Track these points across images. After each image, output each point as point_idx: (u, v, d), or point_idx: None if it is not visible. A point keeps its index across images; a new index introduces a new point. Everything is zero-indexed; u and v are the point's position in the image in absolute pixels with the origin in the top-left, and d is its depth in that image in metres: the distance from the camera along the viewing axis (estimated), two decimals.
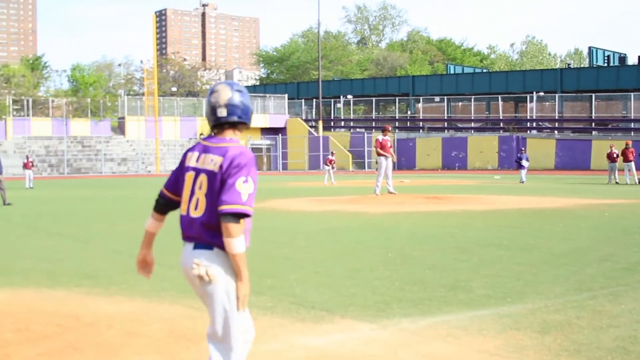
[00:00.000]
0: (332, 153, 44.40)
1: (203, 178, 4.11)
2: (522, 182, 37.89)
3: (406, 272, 9.88)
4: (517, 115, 76.71)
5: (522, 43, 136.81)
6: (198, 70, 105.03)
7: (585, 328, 6.66)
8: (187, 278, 4.17)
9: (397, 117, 79.62)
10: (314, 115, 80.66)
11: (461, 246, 12.59)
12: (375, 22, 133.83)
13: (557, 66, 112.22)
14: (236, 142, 4.22)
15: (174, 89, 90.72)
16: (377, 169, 25.25)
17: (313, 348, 6.23)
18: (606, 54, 79.44)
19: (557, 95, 68.61)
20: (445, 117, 76.26)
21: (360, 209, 20.30)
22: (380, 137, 24.99)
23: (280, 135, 74.48)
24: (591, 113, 67.66)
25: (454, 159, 66.42)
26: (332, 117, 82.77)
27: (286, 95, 79.63)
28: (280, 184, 40.53)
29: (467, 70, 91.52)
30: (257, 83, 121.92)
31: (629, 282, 9.02)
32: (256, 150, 73.59)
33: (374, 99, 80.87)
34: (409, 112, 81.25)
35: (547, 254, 11.32)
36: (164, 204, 4.47)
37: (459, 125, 75.85)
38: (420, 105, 78.43)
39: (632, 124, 65.81)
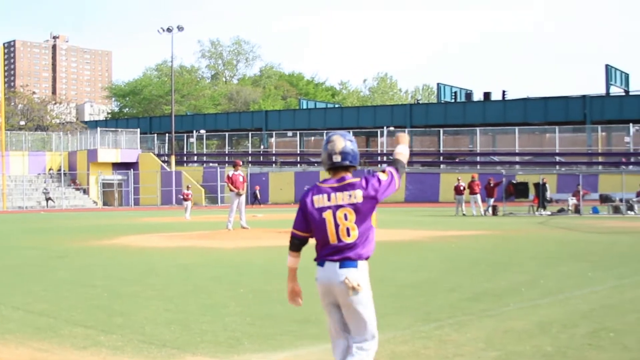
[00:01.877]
0: (188, 187, 44.08)
1: (347, 212, 5.09)
2: None
3: (258, 308, 9.86)
4: (368, 149, 78.16)
5: (373, 79, 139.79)
6: (48, 103, 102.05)
7: (432, 357, 6.82)
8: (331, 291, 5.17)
9: (250, 152, 79.86)
10: (166, 150, 79.80)
11: (312, 281, 12.62)
12: (229, 57, 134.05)
13: (407, 102, 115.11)
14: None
15: (22, 122, 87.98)
16: (230, 204, 25.16)
17: None
18: (453, 90, 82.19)
19: (406, 129, 70.33)
20: (298, 152, 76.92)
21: (212, 244, 20.17)
22: (231, 172, 24.95)
23: (132, 170, 73.19)
24: (439, 147, 69.70)
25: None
26: (185, 152, 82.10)
27: (138, 130, 78.50)
28: (133, 219, 39.79)
29: (319, 105, 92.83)
30: (109, 117, 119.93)
31: (474, 312, 9.28)
32: (107, 185, 72.19)
33: (227, 133, 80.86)
34: (262, 147, 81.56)
35: (396, 286, 11.51)
36: (299, 244, 5.41)
37: (312, 159, 76.62)
38: (273, 139, 78.85)
39: (478, 157, 68.16)
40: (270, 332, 8.26)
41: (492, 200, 39.05)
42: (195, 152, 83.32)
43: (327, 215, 5.11)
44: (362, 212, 5.11)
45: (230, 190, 24.75)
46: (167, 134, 78.54)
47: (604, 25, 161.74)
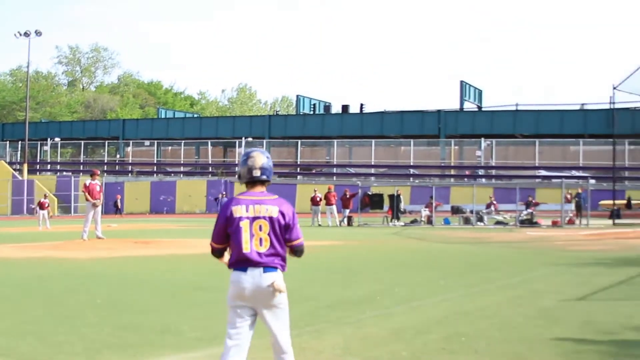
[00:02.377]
0: (45, 196, 42.94)
1: (263, 224, 5.50)
2: None
3: (116, 318, 9.77)
4: (226, 160, 78.03)
5: (232, 89, 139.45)
6: None
7: None
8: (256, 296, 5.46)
9: (105, 161, 78.42)
10: (19, 158, 77.34)
11: (170, 290, 12.65)
12: (87, 64, 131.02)
13: (266, 113, 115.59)
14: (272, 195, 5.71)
15: None
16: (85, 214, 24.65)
17: None
18: (312, 103, 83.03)
19: (265, 141, 70.62)
20: (155, 161, 76.08)
21: (67, 254, 19.72)
22: (88, 181, 24.49)
23: None
24: (297, 158, 70.31)
25: (162, 203, 66.24)
26: (38, 160, 79.78)
27: None
28: None
29: (178, 114, 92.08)
30: None
31: (332, 319, 9.50)
32: None
33: (82, 141, 79.03)
34: (117, 156, 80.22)
35: None
36: (221, 250, 5.70)
37: (168, 169, 75.91)
38: (129, 149, 77.68)
39: (335, 169, 69.11)
40: (129, 342, 8.20)
41: (347, 211, 39.70)
42: (49, 161, 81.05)
43: (244, 225, 5.48)
44: (276, 226, 5.53)
45: (87, 200, 24.27)
46: (20, 142, 76.09)
47: (459, 42, 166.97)
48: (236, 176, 5.28)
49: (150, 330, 8.90)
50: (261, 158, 5.68)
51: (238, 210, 5.51)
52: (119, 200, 63.40)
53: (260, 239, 5.46)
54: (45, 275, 15.35)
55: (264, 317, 5.52)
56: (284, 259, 5.63)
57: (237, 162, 71.52)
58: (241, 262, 5.45)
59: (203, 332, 8.71)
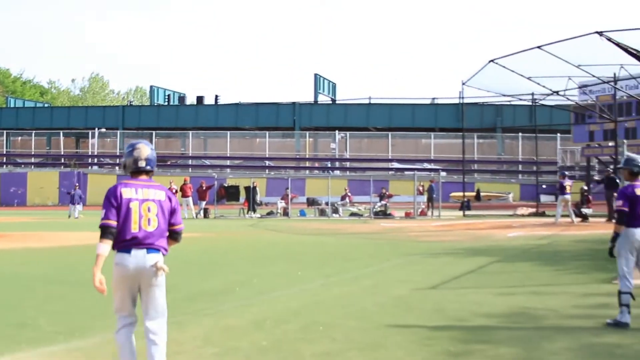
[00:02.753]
0: None
1: (152, 206, 5.86)
2: (76, 217, 37.88)
3: None
4: (78, 151, 76.26)
5: (83, 79, 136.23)
6: None
7: None
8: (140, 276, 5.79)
9: None
10: None
11: (25, 284, 12.43)
12: None
13: (120, 103, 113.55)
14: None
15: None
16: None
17: None
18: (167, 93, 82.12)
19: (118, 131, 69.44)
20: (5, 152, 73.54)
21: None
22: None
23: None
24: None
25: (13, 195, 64.06)
26: None
27: None
28: None
29: (28, 104, 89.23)
30: None
31: (192, 311, 9.56)
32: None
33: None
34: None
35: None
36: (114, 232, 5.78)
37: (19, 160, 73.52)
38: None
39: (190, 160, 68.60)
40: None
41: (204, 203, 39.55)
42: None
43: (134, 205, 5.82)
44: (163, 209, 5.97)
45: None
46: None
47: (313, 35, 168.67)
48: (121, 166, 5.55)
49: (6, 325, 8.77)
50: (146, 150, 6.04)
51: (127, 192, 5.86)
52: None
53: (149, 219, 5.84)
54: None
55: (143, 296, 5.87)
56: (167, 242, 6.06)
57: (90, 153, 70.17)
58: (127, 243, 5.77)
59: (61, 326, 8.64)
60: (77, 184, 45.22)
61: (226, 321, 8.90)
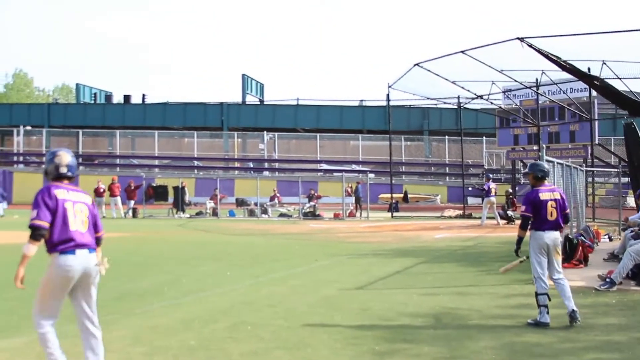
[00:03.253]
0: None
1: (82, 207, 6.11)
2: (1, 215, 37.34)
3: None
4: (3, 148, 74.90)
5: (7, 75, 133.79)
6: None
7: (81, 355, 6.98)
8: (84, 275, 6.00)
9: None
10: None
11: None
12: None
13: (45, 101, 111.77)
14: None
15: None
16: None
17: None
18: (93, 92, 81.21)
19: (44, 130, 68.41)
20: None
21: None
22: None
23: None
24: (78, 148, 68.55)
25: None
26: None
27: None
28: None
29: None
30: None
31: (120, 311, 9.60)
32: None
33: None
34: None
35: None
36: (44, 234, 5.87)
37: None
38: None
39: (118, 159, 67.94)
40: None
41: (132, 203, 39.27)
42: None
43: (69, 205, 6.01)
44: (90, 211, 6.26)
45: None
46: None
47: (241, 35, 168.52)
48: (43, 172, 5.80)
49: None
50: (67, 157, 6.30)
51: (61, 193, 6.03)
52: None
53: (82, 221, 6.08)
54: None
55: (82, 294, 6.06)
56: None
57: (15, 152, 69.00)
58: (68, 243, 5.90)
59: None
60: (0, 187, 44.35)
61: (155, 320, 8.96)
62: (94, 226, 6.28)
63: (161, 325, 8.64)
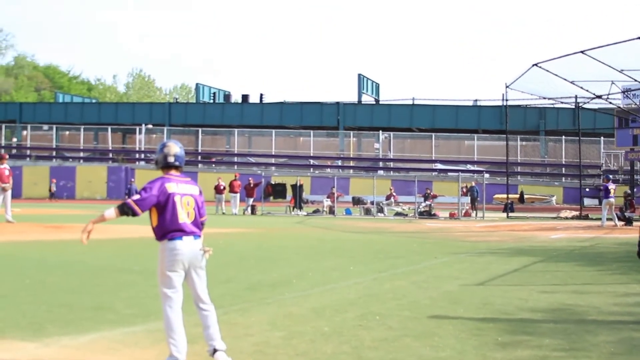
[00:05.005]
0: None
1: (190, 200, 6.61)
2: None
3: (49, 297, 10.28)
4: (125, 146, 77.49)
5: (128, 75, 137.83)
6: None
7: (225, 337, 7.61)
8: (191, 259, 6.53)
9: (2, 145, 76.84)
10: None
11: (94, 272, 13.19)
12: None
13: (166, 100, 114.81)
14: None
15: None
16: None
17: None
18: (212, 91, 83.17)
19: (165, 128, 70.50)
20: (54, 146, 74.99)
21: None
22: None
23: None
24: (197, 146, 70.42)
25: (62, 189, 65.43)
26: None
27: None
28: None
29: (76, 99, 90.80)
30: None
31: (254, 300, 10.23)
32: None
33: None
34: (13, 140, 78.66)
35: None
36: (128, 213, 6.42)
37: (67, 154, 74.89)
38: (27, 133, 76.33)
39: (235, 158, 69.51)
40: (69, 318, 8.76)
41: (251, 200, 40.32)
42: None
43: (177, 199, 6.51)
44: (197, 203, 6.73)
45: None
46: None
47: (357, 35, 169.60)
48: (153, 162, 6.45)
49: (85, 308, 9.46)
50: (175, 147, 6.78)
51: (171, 187, 6.54)
52: (53, 185, 62.42)
53: (189, 212, 6.57)
54: None
55: (191, 277, 6.60)
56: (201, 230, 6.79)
57: (137, 149, 71.35)
58: (177, 232, 6.45)
59: (138, 309, 9.32)
60: (132, 179, 46.27)
61: (287, 309, 9.54)
62: (199, 213, 6.75)
63: (294, 314, 9.23)
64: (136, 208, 6.38)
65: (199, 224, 6.70)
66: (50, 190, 61.80)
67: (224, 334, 7.75)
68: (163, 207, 6.47)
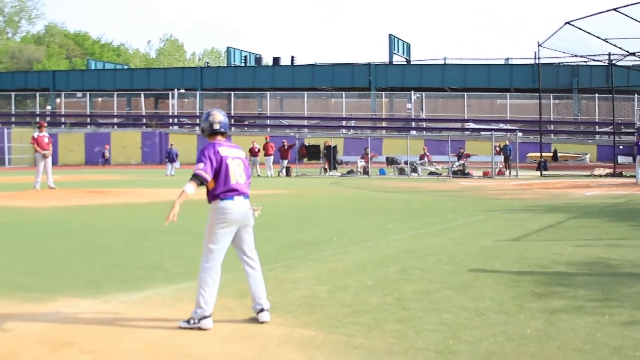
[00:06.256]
0: None
1: (239, 162, 7.04)
2: (172, 175, 39.52)
3: (101, 258, 10.73)
4: (158, 111, 78.04)
5: (159, 40, 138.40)
6: None
7: (274, 292, 8.02)
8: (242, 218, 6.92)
9: (37, 112, 77.68)
10: None
11: (140, 234, 13.68)
12: (10, 13, 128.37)
13: (195, 64, 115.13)
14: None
15: None
16: (35, 165, 25.16)
17: (66, 316, 6.99)
18: (243, 55, 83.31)
19: (197, 92, 70.88)
20: (88, 113, 75.70)
21: (25, 204, 20.40)
22: (36, 133, 25.03)
23: None
24: (230, 110, 70.83)
25: (97, 155, 66.12)
26: None
27: None
28: None
29: (108, 66, 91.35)
30: None
31: (297, 257, 10.65)
32: None
33: (13, 93, 77.81)
34: (48, 108, 79.45)
35: None
36: (202, 183, 6.82)
37: (100, 121, 75.55)
38: (61, 100, 77.07)
39: (268, 120, 69.84)
40: (123, 277, 9.21)
41: (285, 162, 40.73)
42: None
43: (229, 162, 6.92)
44: (245, 165, 7.18)
45: (36, 151, 24.85)
46: None
47: None
48: (199, 130, 6.92)
49: (137, 267, 9.92)
50: (219, 115, 7.19)
51: (223, 151, 6.96)
52: (107, 151, 63.25)
53: (239, 174, 6.99)
54: (13, 222, 16.12)
55: (241, 235, 7.01)
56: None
57: (170, 114, 71.88)
58: (229, 192, 6.86)
59: (186, 268, 9.74)
60: (172, 143, 46.80)
61: (330, 265, 9.91)
62: (247, 175, 7.19)
63: (337, 269, 9.61)
64: (206, 175, 6.78)
65: (248, 185, 7.11)
66: (103, 156, 62.58)
67: (271, 288, 8.17)
68: (217, 171, 6.86)
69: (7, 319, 7.00)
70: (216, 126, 7.11)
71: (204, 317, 6.70)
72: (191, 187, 6.76)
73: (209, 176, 6.80)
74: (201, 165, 6.80)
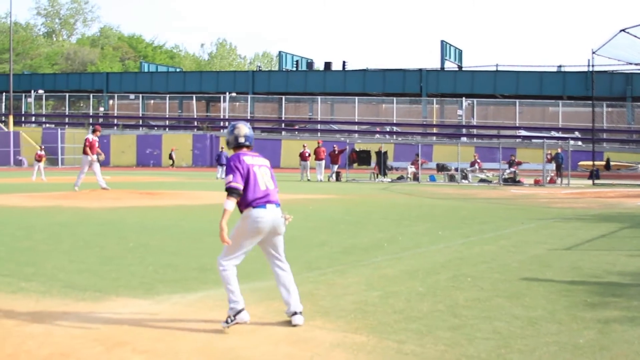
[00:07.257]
0: (42, 148, 43.43)
1: (266, 170, 7.06)
2: (222, 178, 39.74)
3: (154, 259, 10.85)
4: (209, 114, 78.62)
5: (212, 44, 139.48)
6: None
7: (326, 296, 8.07)
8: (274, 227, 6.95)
9: (90, 114, 78.78)
10: (3, 110, 77.61)
11: (192, 235, 13.82)
12: (66, 15, 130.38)
13: (249, 69, 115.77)
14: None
15: None
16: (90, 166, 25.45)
17: (118, 318, 7.10)
18: (295, 59, 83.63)
19: (249, 96, 71.29)
20: (140, 115, 76.55)
21: (78, 204, 20.71)
22: (91, 137, 25.42)
23: None
24: (281, 114, 71.14)
25: (148, 156, 66.89)
26: (22, 112, 79.96)
27: None
28: None
29: (161, 69, 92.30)
30: None
31: (348, 262, 10.65)
32: None
33: (67, 94, 79.04)
34: (101, 109, 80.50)
35: None
36: (239, 194, 6.85)
37: (152, 123, 76.32)
38: (114, 102, 78.02)
39: (318, 125, 69.99)
40: (175, 278, 9.32)
41: (336, 167, 40.75)
42: (33, 113, 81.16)
43: (256, 170, 6.99)
44: (271, 173, 7.20)
45: (85, 153, 25.21)
46: (4, 93, 76.14)
47: (441, 1, 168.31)
48: (225, 143, 7.09)
49: (189, 269, 10.01)
50: (244, 129, 7.26)
51: (248, 159, 7.02)
52: (173, 152, 63.88)
53: (267, 182, 7.02)
54: (67, 222, 16.35)
55: (271, 241, 7.08)
56: None
57: (221, 117, 72.37)
58: (260, 200, 6.87)
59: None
60: (222, 147, 47.13)
61: (381, 271, 9.92)
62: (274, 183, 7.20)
63: (389, 275, 9.61)
64: (238, 185, 6.83)
65: (276, 192, 7.14)
66: (170, 157, 63.31)
67: (324, 292, 8.22)
68: (246, 179, 6.91)
69: (63, 317, 7.14)
70: (241, 139, 7.21)
71: (239, 312, 6.82)
72: (231, 204, 6.84)
73: (240, 185, 6.86)
74: (231, 177, 6.88)
